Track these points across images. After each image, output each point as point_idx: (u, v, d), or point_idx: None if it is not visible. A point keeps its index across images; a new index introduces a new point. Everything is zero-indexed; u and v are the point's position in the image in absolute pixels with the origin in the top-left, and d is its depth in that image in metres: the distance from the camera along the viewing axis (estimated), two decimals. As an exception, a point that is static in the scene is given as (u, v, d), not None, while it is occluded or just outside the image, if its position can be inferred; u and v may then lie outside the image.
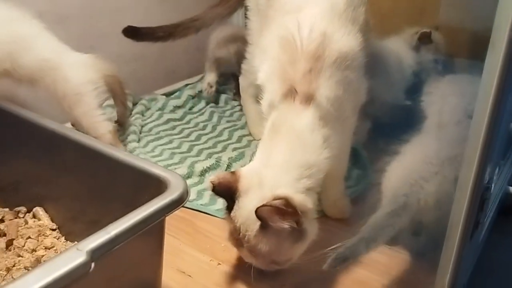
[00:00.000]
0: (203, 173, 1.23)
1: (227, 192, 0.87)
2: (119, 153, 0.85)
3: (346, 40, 0.94)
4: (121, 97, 1.33)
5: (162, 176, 0.76)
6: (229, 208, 0.87)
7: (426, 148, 0.99)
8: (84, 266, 0.59)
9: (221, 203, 1.13)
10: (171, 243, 1.02)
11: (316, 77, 0.89)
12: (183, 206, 1.09)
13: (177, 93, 1.62)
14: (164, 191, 0.74)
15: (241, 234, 0.85)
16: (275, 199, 0.81)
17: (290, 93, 0.89)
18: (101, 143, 0.89)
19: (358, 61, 0.97)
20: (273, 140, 0.89)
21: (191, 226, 1.08)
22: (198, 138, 1.42)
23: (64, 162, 0.94)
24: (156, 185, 0.77)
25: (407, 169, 0.96)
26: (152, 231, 0.73)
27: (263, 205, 0.80)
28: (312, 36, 0.91)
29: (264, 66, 0.98)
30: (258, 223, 0.82)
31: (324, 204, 1.10)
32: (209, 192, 1.17)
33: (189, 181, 1.20)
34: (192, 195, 1.16)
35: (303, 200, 0.84)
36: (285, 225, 0.81)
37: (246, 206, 0.84)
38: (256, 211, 0.80)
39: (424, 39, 1.43)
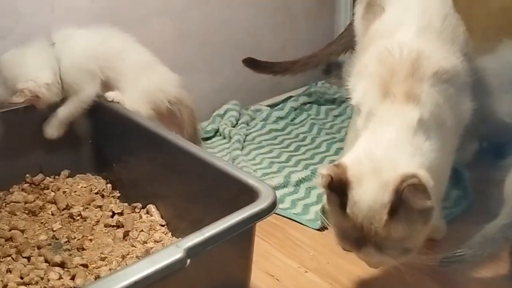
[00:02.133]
0: (298, 183, 1.28)
1: (338, 187, 0.79)
2: (221, 162, 0.94)
3: (446, 57, 0.96)
4: (187, 123, 1.28)
5: (254, 186, 0.84)
6: (342, 204, 0.79)
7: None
8: (181, 261, 0.69)
9: (313, 213, 1.18)
10: (263, 246, 1.10)
11: (418, 82, 0.90)
12: (276, 214, 1.19)
13: (280, 105, 1.70)
14: (255, 199, 0.82)
15: (364, 229, 0.77)
16: (403, 179, 0.75)
17: (388, 96, 0.91)
18: (207, 152, 1.00)
19: (460, 79, 0.97)
20: (374, 134, 0.88)
21: (282, 233, 1.14)
22: (297, 149, 1.48)
23: (174, 165, 1.06)
24: (249, 194, 0.84)
25: None
26: (242, 236, 0.81)
27: (404, 186, 0.74)
28: (410, 49, 0.94)
29: (360, 84, 1.00)
30: (386, 210, 0.75)
31: None
32: (302, 202, 1.23)
33: (284, 190, 1.26)
34: (286, 203, 1.22)
35: (425, 174, 0.77)
36: (424, 201, 0.74)
37: (365, 197, 0.77)
38: (398, 192, 0.74)
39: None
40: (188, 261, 0.69)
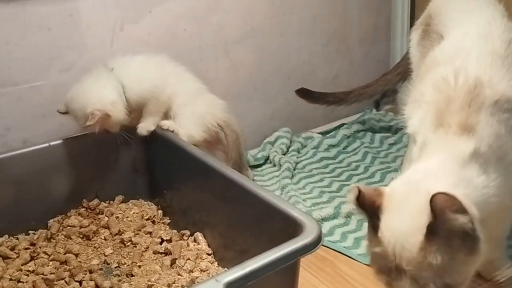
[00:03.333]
0: (349, 215, 1.24)
1: (370, 207, 0.76)
2: (266, 193, 0.93)
3: (510, 85, 0.90)
4: (231, 147, 1.29)
5: (299, 219, 0.82)
6: (374, 227, 0.76)
7: None
8: (220, 296, 0.68)
9: (364, 247, 1.13)
10: (311, 281, 1.06)
11: (476, 111, 0.86)
12: (325, 246, 1.15)
13: (332, 133, 1.67)
14: (300, 233, 0.79)
15: (396, 256, 0.72)
16: (436, 195, 0.69)
17: (442, 126, 0.87)
18: (253, 183, 1.00)
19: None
20: (422, 166, 0.84)
21: (331, 267, 1.10)
22: (349, 178, 1.44)
23: (222, 195, 1.07)
24: (294, 227, 0.82)
25: None
26: (285, 271, 0.79)
27: (436, 201, 0.68)
28: (467, 76, 0.89)
29: (417, 112, 0.96)
30: (420, 233, 0.70)
31: None
32: (353, 235, 1.19)
33: (334, 222, 1.23)
34: (336, 236, 1.18)
35: (469, 203, 0.72)
36: (463, 219, 0.69)
37: (398, 220, 0.74)
38: (431, 200, 0.69)
39: None
40: (228, 295, 0.68)
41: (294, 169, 1.48)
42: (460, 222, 0.69)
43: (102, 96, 1.19)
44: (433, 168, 0.81)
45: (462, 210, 0.69)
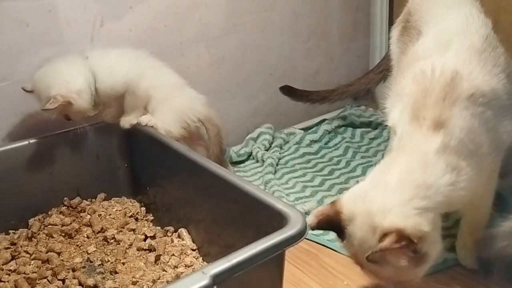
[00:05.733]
0: (332, 208, 1.25)
1: (333, 225, 0.87)
2: (251, 187, 0.94)
3: (485, 79, 0.92)
4: (213, 142, 1.28)
5: (283, 211, 0.83)
6: (342, 237, 0.87)
7: None
8: (207, 288, 0.68)
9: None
10: (295, 273, 1.07)
11: (450, 105, 0.88)
12: (309, 240, 1.16)
13: (314, 128, 1.68)
14: (285, 225, 0.80)
15: (359, 259, 0.85)
16: (384, 234, 0.79)
17: (418, 119, 0.89)
18: (238, 177, 1.00)
19: (500, 102, 0.93)
20: (390, 162, 0.89)
21: (316, 260, 1.11)
22: (331, 172, 1.45)
23: (206, 190, 1.07)
24: (279, 219, 0.83)
25: None
26: (271, 263, 0.79)
27: (373, 252, 0.79)
28: (444, 69, 0.91)
29: (398, 105, 0.98)
30: (371, 250, 0.80)
31: (459, 252, 1.05)
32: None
33: (317, 215, 1.24)
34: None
35: (416, 224, 0.81)
36: (402, 262, 0.79)
37: (356, 236, 0.83)
38: (367, 258, 0.80)
39: None
40: (215, 287, 0.69)
41: (277, 165, 1.49)
42: (401, 262, 0.79)
43: (69, 82, 1.15)
44: (394, 174, 0.85)
45: (402, 248, 0.78)
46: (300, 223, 0.79)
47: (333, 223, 0.86)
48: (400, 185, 0.84)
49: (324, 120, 1.73)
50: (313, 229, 0.87)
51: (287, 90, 1.55)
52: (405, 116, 0.92)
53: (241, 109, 1.66)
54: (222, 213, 1.03)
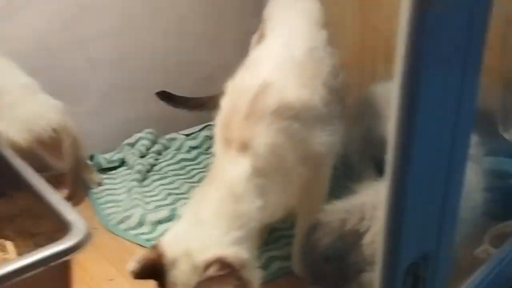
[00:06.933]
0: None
1: (155, 273, 0.81)
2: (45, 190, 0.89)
3: (296, 91, 0.91)
4: (68, 151, 1.23)
5: (68, 219, 0.79)
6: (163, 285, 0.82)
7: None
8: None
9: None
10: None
11: (253, 124, 0.86)
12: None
13: (194, 134, 1.66)
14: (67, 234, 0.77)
15: None
16: (207, 265, 0.79)
17: (227, 142, 0.87)
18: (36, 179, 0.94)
19: (312, 113, 0.92)
20: (203, 193, 0.87)
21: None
22: (202, 179, 1.42)
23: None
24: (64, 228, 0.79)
25: None
26: (53, 272, 0.75)
27: (199, 282, 0.77)
28: (256, 82, 0.90)
29: (217, 119, 0.96)
30: None
31: (293, 258, 1.05)
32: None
33: (169, 224, 1.20)
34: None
35: (236, 252, 0.81)
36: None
37: (180, 280, 0.80)
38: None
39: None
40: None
41: (148, 172, 1.46)
42: (231, 282, 0.78)
43: None
44: (207, 209, 0.83)
45: (226, 276, 0.77)
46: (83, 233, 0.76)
47: (157, 267, 0.81)
48: (214, 220, 0.83)
49: (208, 125, 1.70)
50: (134, 278, 0.80)
51: (164, 96, 1.51)
52: (217, 139, 0.90)
53: (122, 114, 1.61)
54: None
